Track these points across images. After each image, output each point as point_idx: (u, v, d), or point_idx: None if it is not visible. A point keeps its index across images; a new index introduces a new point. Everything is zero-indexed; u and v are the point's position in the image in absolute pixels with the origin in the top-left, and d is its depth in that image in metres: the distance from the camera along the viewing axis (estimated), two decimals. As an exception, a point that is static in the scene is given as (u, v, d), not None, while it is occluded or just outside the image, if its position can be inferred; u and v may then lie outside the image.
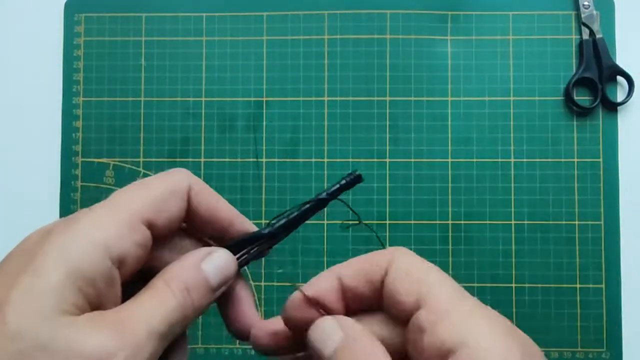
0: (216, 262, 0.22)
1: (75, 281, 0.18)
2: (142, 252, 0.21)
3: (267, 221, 0.26)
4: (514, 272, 0.48)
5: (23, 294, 0.17)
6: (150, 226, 0.21)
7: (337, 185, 0.26)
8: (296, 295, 0.22)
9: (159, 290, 0.20)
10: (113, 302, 0.20)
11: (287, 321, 0.22)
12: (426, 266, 0.21)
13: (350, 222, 0.47)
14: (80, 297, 0.18)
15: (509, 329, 0.20)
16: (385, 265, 0.22)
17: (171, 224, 0.22)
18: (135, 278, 0.22)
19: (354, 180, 0.26)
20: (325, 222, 0.49)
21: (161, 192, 0.22)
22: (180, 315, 0.20)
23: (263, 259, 0.49)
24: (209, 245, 0.25)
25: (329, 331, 0.21)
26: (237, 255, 0.24)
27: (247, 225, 0.25)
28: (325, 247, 0.49)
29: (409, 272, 0.21)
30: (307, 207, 0.25)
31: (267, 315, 0.49)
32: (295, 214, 0.25)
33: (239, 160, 0.50)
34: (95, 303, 0.19)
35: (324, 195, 0.25)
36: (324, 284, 0.22)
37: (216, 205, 0.24)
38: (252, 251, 0.25)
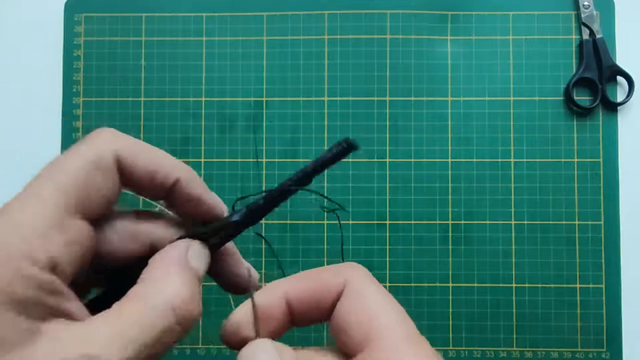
0: (202, 257, 0.21)
1: (13, 309, 0.16)
2: (79, 248, 0.18)
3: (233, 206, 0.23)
4: (514, 272, 0.48)
5: None
6: (80, 213, 0.18)
7: (322, 159, 0.21)
8: (233, 320, 0.21)
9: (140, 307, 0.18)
10: (69, 302, 0.17)
11: (224, 341, 0.21)
12: (381, 299, 0.20)
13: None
14: (25, 322, 0.16)
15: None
16: (337, 290, 0.21)
17: (105, 203, 0.19)
18: (96, 269, 0.20)
19: (344, 150, 0.21)
20: (325, 222, 0.49)
21: (82, 169, 0.19)
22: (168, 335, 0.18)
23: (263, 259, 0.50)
24: (157, 214, 0.22)
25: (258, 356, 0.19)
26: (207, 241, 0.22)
27: (193, 183, 0.22)
28: (325, 247, 0.49)
29: (362, 306, 0.20)
30: (282, 188, 0.22)
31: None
32: (269, 196, 0.23)
33: (239, 160, 0.50)
34: (48, 315, 0.17)
35: (294, 179, 0.22)
36: (268, 301, 0.21)
37: (154, 163, 0.21)
38: (220, 236, 0.22)
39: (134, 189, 0.21)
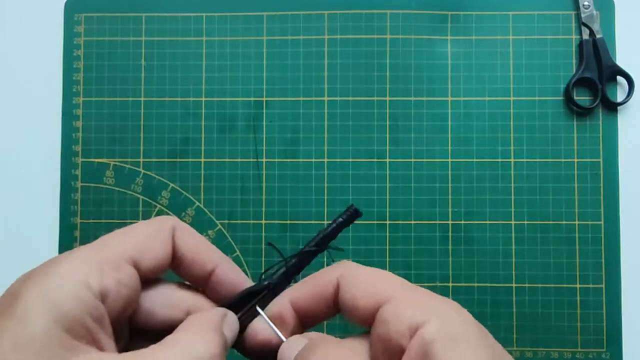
0: (233, 327, 0.23)
1: (60, 323, 0.18)
2: (127, 291, 0.20)
3: (261, 273, 0.25)
4: (514, 272, 0.48)
5: (10, 345, 0.17)
6: (135, 266, 0.21)
7: (334, 225, 0.25)
8: (256, 325, 0.23)
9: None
10: (105, 338, 0.19)
11: (250, 346, 0.23)
12: (375, 271, 0.22)
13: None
14: (67, 338, 0.18)
15: (465, 314, 0.22)
16: (335, 281, 0.23)
17: (157, 265, 0.22)
18: (129, 330, 0.22)
19: (352, 215, 0.25)
20: (325, 222, 0.49)
21: (144, 233, 0.22)
22: None
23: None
24: (198, 297, 0.24)
25: (293, 343, 0.22)
26: (239, 315, 0.24)
27: (232, 271, 0.24)
28: (325, 247, 0.49)
29: (362, 279, 0.22)
30: (305, 251, 0.26)
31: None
32: (294, 260, 0.25)
33: (239, 160, 0.50)
34: (87, 339, 0.19)
35: (313, 244, 0.26)
36: (277, 309, 0.23)
37: (201, 246, 0.24)
38: (251, 307, 0.24)
39: (179, 266, 0.24)
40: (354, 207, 0.25)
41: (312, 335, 0.22)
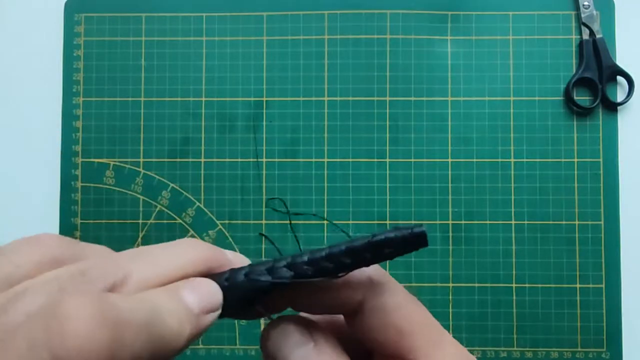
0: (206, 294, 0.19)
1: None
2: None
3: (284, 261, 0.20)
4: (514, 272, 0.48)
5: None
6: None
7: (382, 238, 0.18)
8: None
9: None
10: None
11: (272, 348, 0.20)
12: (407, 301, 0.20)
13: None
14: None
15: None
16: (355, 303, 0.20)
17: None
18: None
19: (415, 241, 0.18)
20: (325, 222, 0.49)
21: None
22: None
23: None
24: None
25: (297, 344, 0.19)
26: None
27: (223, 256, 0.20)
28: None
29: (392, 313, 0.19)
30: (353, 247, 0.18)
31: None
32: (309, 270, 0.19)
33: (239, 160, 0.50)
34: None
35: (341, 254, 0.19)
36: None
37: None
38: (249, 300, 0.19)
39: None
40: (419, 231, 0.18)
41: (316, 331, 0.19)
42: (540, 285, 0.48)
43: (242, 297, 0.19)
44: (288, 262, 0.19)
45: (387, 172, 0.49)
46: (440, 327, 0.20)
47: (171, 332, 0.16)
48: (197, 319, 0.17)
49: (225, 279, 0.19)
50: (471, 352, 0.48)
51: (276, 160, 0.50)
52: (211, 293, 0.18)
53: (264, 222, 0.49)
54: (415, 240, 0.18)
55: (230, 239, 0.49)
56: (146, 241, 0.49)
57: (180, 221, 0.50)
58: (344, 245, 0.18)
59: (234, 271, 0.19)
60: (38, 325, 0.14)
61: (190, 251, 0.19)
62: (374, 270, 0.20)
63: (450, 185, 0.49)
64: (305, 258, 0.19)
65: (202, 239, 0.49)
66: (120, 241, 0.49)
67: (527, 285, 0.48)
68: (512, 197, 0.49)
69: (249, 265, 0.20)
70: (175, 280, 0.18)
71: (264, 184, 0.50)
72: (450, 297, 0.48)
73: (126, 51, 0.51)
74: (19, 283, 0.16)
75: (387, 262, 0.49)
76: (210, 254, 0.19)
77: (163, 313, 0.16)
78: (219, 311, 0.19)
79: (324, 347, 0.19)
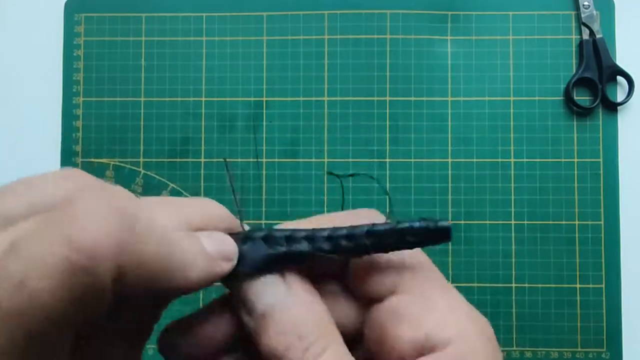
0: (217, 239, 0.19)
1: None
2: None
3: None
4: (514, 272, 0.48)
5: None
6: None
7: (405, 226, 0.18)
8: None
9: None
10: None
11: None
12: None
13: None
14: None
15: (488, 332, 0.19)
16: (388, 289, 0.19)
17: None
18: None
19: (438, 233, 0.19)
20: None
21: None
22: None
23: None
24: None
25: (269, 284, 0.18)
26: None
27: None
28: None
29: (386, 257, 0.19)
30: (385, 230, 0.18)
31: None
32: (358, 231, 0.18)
33: (239, 160, 0.50)
34: None
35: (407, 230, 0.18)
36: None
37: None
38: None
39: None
40: (444, 225, 0.19)
41: (291, 279, 0.18)
42: (540, 285, 0.48)
43: (258, 260, 0.19)
44: (307, 234, 0.19)
45: (387, 172, 0.49)
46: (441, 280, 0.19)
47: (184, 261, 0.17)
48: (211, 262, 0.18)
49: (242, 238, 0.19)
50: (471, 352, 0.48)
51: (276, 160, 0.50)
52: (227, 243, 0.19)
53: (263, 222, 0.49)
54: (438, 233, 0.19)
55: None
56: (146, 241, 0.49)
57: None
58: (367, 227, 0.18)
59: (251, 232, 0.20)
60: (59, 217, 0.14)
61: (214, 208, 0.20)
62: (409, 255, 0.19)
63: (450, 185, 0.49)
64: (326, 233, 0.19)
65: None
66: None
67: (526, 285, 0.48)
68: (512, 197, 0.49)
69: (268, 229, 0.20)
70: (196, 230, 0.18)
71: (264, 184, 0.50)
72: (450, 297, 0.48)
73: (126, 51, 0.51)
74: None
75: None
76: (230, 215, 0.20)
77: (179, 241, 0.17)
78: (233, 262, 0.19)
79: (295, 285, 0.18)
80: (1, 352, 0.13)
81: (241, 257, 0.19)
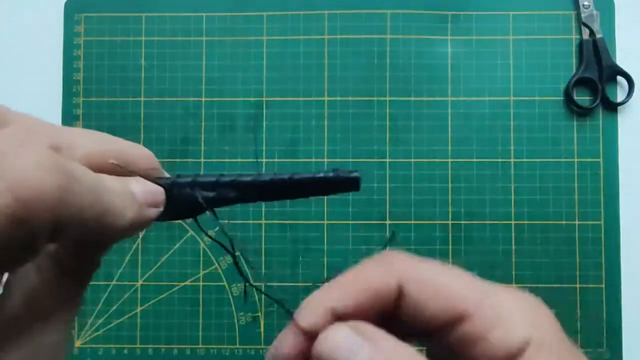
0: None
1: None
2: None
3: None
4: (514, 272, 0.48)
5: None
6: None
7: (314, 177, 0.20)
8: (288, 333, 0.18)
9: None
10: None
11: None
12: (445, 270, 0.19)
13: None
14: None
15: (544, 309, 0.21)
16: (395, 286, 0.19)
17: None
18: None
19: (346, 182, 0.20)
20: (325, 222, 0.49)
21: None
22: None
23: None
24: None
25: (350, 344, 0.17)
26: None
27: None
28: (325, 247, 0.49)
29: (432, 285, 0.19)
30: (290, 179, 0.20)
31: (266, 316, 0.49)
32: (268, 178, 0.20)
33: (239, 160, 0.50)
34: None
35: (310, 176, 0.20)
36: (313, 320, 0.18)
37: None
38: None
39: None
40: (356, 174, 0.20)
41: (365, 329, 0.17)
42: (540, 285, 0.48)
43: (182, 206, 0.20)
44: (233, 180, 0.20)
45: (387, 172, 0.49)
46: (489, 282, 0.20)
47: (115, 208, 0.17)
48: (140, 208, 0.19)
49: (169, 184, 0.20)
50: (471, 352, 0.48)
51: (276, 160, 0.50)
52: (155, 191, 0.20)
53: (263, 222, 0.49)
54: (348, 183, 0.20)
55: (230, 239, 0.49)
56: (146, 241, 0.49)
57: (180, 221, 0.50)
58: (288, 174, 0.20)
59: (177, 178, 0.20)
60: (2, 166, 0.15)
61: (140, 148, 0.20)
62: (394, 253, 0.20)
63: (450, 185, 0.49)
64: (250, 179, 0.20)
65: (202, 239, 0.49)
66: (119, 241, 0.49)
67: (527, 285, 0.48)
68: (512, 197, 0.49)
69: (194, 174, 0.21)
70: (122, 164, 0.19)
71: (264, 184, 0.50)
72: (450, 297, 0.48)
73: (126, 51, 0.51)
74: None
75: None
76: (155, 159, 0.21)
77: (110, 189, 0.17)
78: (161, 209, 0.20)
79: (381, 342, 0.17)
80: None
81: (168, 202, 0.20)
